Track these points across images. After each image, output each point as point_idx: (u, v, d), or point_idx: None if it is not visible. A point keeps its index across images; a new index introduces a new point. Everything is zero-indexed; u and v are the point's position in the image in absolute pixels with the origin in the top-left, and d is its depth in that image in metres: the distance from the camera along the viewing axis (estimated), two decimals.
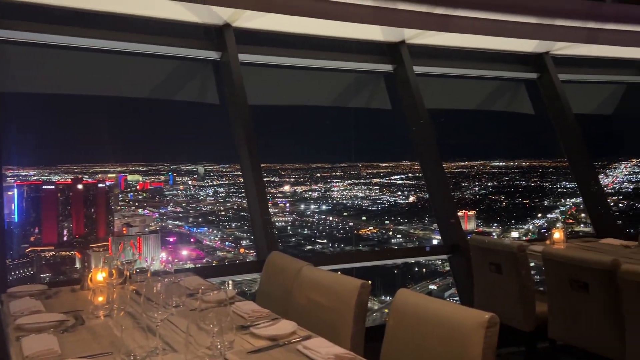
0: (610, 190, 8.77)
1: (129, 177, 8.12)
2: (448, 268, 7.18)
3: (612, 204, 8.45)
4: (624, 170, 9.26)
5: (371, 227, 8.79)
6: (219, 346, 1.81)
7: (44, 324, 2.06)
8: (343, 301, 2.32)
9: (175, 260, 7.08)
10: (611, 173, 9.22)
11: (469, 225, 8.17)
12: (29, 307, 2.27)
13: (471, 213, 8.55)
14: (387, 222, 8.75)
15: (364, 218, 8.82)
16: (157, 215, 8.08)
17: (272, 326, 2.11)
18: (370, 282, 2.35)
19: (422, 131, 4.89)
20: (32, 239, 6.84)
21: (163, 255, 7.15)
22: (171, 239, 7.74)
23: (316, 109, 6.01)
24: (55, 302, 2.46)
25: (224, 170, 8.48)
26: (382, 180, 9.22)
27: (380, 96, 5.42)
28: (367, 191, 9.12)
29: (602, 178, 8.41)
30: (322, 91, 5.45)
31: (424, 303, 2.10)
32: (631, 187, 9.15)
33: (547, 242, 3.89)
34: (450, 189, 5.02)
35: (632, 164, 9.35)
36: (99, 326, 2.13)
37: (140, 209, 7.99)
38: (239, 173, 8.44)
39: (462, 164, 9.33)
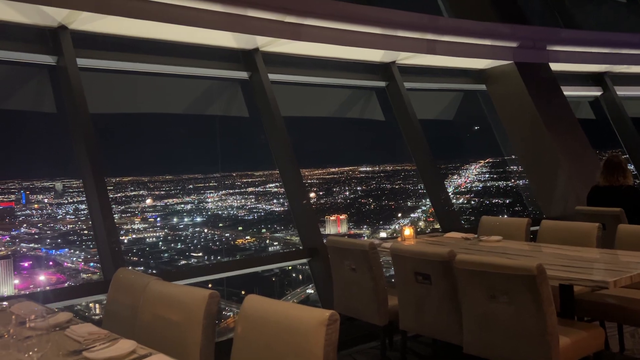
0: (463, 190, 9.66)
1: None
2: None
3: (464, 201, 9.32)
4: (474, 170, 10.24)
5: (248, 237, 8.74)
6: None
7: None
8: (191, 313, 2.27)
9: (32, 287, 6.46)
10: (463, 173, 10.14)
11: (342, 228, 8.47)
12: None
13: (343, 217, 8.88)
14: (263, 230, 8.77)
15: (240, 228, 8.74)
16: (8, 239, 7.32)
17: (109, 347, 2.00)
18: (218, 292, 2.33)
19: (278, 139, 5.00)
20: None
21: (16, 281, 6.49)
22: (26, 264, 7.04)
23: (176, 117, 5.85)
24: None
25: (79, 185, 7.92)
26: (257, 189, 9.23)
27: (239, 104, 5.44)
28: (243, 201, 9.07)
29: (455, 178, 9.24)
30: (180, 99, 5.33)
31: (270, 306, 2.13)
32: (480, 185, 10.15)
33: (398, 239, 4.16)
34: (306, 195, 5.18)
35: (480, 164, 10.37)
36: None
37: None
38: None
39: (333, 170, 9.67)
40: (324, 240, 4.16)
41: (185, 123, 6.48)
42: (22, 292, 6.01)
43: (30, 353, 1.65)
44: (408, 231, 4.02)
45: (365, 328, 3.76)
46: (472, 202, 9.84)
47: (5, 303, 2.45)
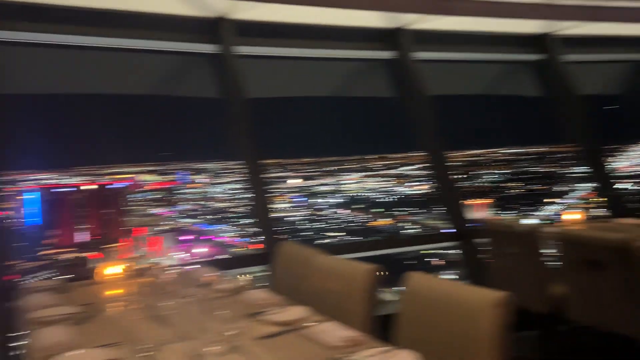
0: (626, 173, 8.64)
1: (142, 177, 8.18)
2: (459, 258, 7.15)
3: (628, 186, 8.34)
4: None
5: (384, 219, 8.76)
6: (230, 333, 1.82)
7: (58, 317, 2.09)
8: (353, 286, 2.31)
9: (191, 258, 7.13)
10: (627, 156, 9.08)
11: (484, 214, 8.10)
12: (43, 301, 2.30)
13: (484, 202, 8.48)
14: (399, 213, 8.72)
15: (376, 210, 8.79)
16: (171, 214, 8.13)
17: (283, 312, 2.11)
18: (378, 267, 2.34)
19: (425, 119, 4.86)
20: (48, 241, 6.92)
21: (180, 253, 7.20)
22: (186, 237, 7.80)
23: (321, 100, 5.97)
24: (69, 296, 2.49)
25: (236, 167, 8.51)
26: (393, 172, 9.18)
27: (383, 84, 5.38)
28: (379, 183, 9.09)
29: (618, 161, 8.29)
30: (324, 81, 5.42)
31: (436, 284, 2.09)
32: None
33: (563, 223, 3.84)
34: (453, 176, 4.99)
35: None
36: (112, 318, 2.15)
37: (154, 209, 8.05)
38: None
39: (474, 152, 9.24)
40: (478, 223, 3.99)
41: (329, 105, 6.62)
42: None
43: (219, 311, 1.79)
44: (574, 216, 3.69)
45: (522, 315, 3.53)
46: (638, 187, 8.78)
47: (188, 267, 2.70)
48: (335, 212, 8.72)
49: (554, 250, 3.17)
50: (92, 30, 4.11)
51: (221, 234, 8.08)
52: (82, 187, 7.41)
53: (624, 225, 3.75)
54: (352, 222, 8.71)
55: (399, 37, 4.98)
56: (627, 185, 8.46)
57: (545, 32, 5.51)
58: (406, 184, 9.01)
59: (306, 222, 8.52)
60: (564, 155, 9.21)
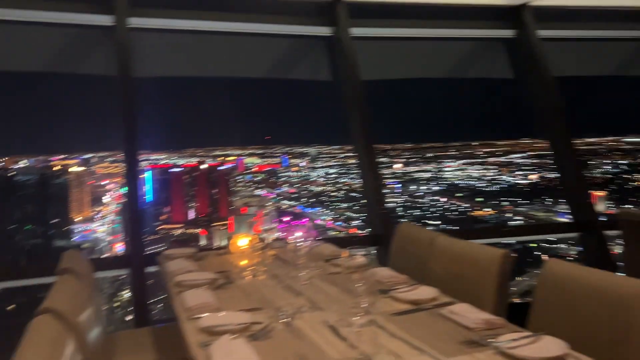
0: None
1: (247, 160, 8.51)
2: (571, 251, 6.67)
3: None
4: None
5: (487, 209, 8.42)
6: (363, 306, 1.82)
7: (199, 281, 2.22)
8: (484, 270, 2.22)
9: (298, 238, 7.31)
10: None
11: (598, 207, 7.52)
12: (184, 267, 2.47)
13: (600, 194, 7.86)
14: (504, 203, 8.33)
15: (479, 199, 8.47)
16: (273, 196, 8.40)
17: (413, 291, 2.08)
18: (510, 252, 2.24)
19: (548, 102, 4.54)
20: (163, 217, 7.43)
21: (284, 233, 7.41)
22: (286, 218, 8.03)
23: (430, 81, 5.77)
24: (205, 264, 2.65)
25: (334, 151, 8.59)
26: (499, 160, 8.77)
27: (499, 65, 5.09)
28: (483, 171, 8.73)
29: None
30: (436, 62, 5.23)
31: (577, 271, 1.95)
32: None
33: None
34: (580, 162, 4.63)
35: None
36: (246, 285, 2.25)
37: (258, 190, 8.36)
38: (349, 154, 8.49)
39: (591, 140, 8.58)
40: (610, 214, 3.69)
41: (439, 88, 6.42)
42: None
43: (356, 286, 1.80)
44: None
45: None
46: None
47: (311, 243, 2.74)
48: (434, 200, 8.53)
49: None
50: (211, 15, 4.26)
51: (319, 217, 8.22)
52: (191, 167, 7.84)
53: None
54: (452, 210, 8.47)
55: (521, 15, 4.69)
56: None
57: None
58: (513, 173, 8.58)
59: (402, 209, 8.41)
60: None
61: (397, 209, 8.35)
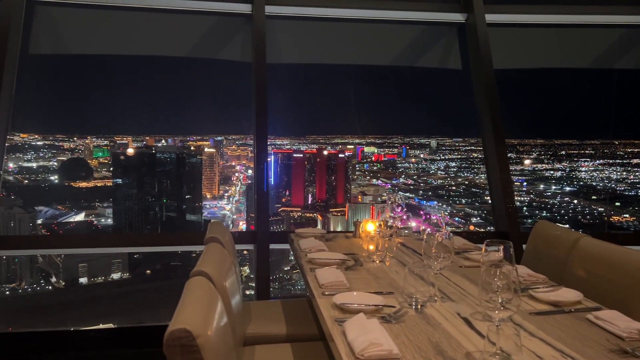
0: None
1: (366, 149, 8.56)
2: None
3: None
4: None
5: (626, 215, 7.66)
6: (499, 301, 1.75)
7: (330, 260, 2.29)
8: (634, 277, 2.02)
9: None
10: None
11: None
12: (315, 246, 2.55)
13: None
14: None
15: (618, 203, 7.72)
16: (390, 186, 8.36)
17: (553, 292, 1.95)
18: None
19: None
20: (283, 200, 7.74)
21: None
22: (401, 210, 7.95)
23: (568, 71, 5.33)
24: (334, 245, 2.72)
25: (457, 144, 8.31)
26: None
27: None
28: (625, 173, 7.93)
29: None
30: (578, 51, 4.80)
31: None
32: None
33: None
34: None
35: None
36: (375, 269, 2.27)
37: (375, 179, 8.38)
38: (472, 148, 8.17)
39: None
40: None
41: (581, 79, 5.92)
42: None
43: (494, 279, 1.73)
44: None
45: None
46: None
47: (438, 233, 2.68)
48: (564, 201, 7.93)
49: None
50: (341, 3, 4.28)
51: (437, 212, 8.03)
52: (313, 154, 8.06)
53: None
54: (585, 214, 7.82)
55: None
56: None
57: None
58: None
59: (528, 208, 7.93)
60: None
61: (522, 208, 7.90)
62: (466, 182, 8.14)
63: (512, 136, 8.36)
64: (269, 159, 8.49)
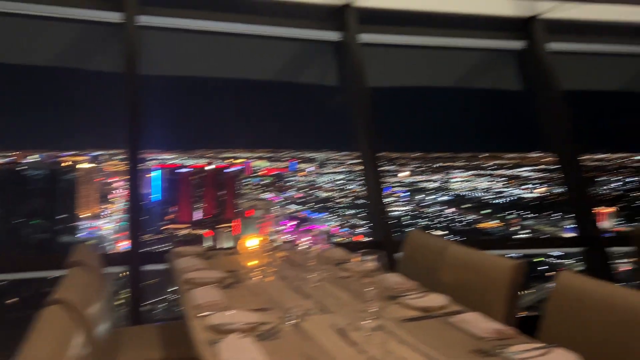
0: None
1: (255, 163, 8.53)
2: (577, 267, 6.62)
3: None
4: None
5: (493, 221, 8.39)
6: (372, 311, 1.81)
7: (209, 279, 2.22)
8: (495, 281, 2.20)
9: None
10: None
11: (606, 224, 7.46)
12: (194, 265, 2.46)
13: (609, 210, 7.81)
14: (511, 216, 8.29)
15: (485, 211, 8.44)
16: (280, 200, 8.40)
17: (423, 298, 2.06)
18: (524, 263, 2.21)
19: (556, 116, 4.51)
20: (169, 217, 7.44)
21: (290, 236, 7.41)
22: (292, 222, 8.02)
23: (439, 90, 5.74)
24: (214, 263, 2.64)
25: (343, 158, 8.59)
26: (507, 172, 8.75)
27: (508, 77, 5.07)
28: (490, 183, 8.70)
29: None
30: (446, 71, 5.21)
31: (590, 286, 1.93)
32: None
33: None
34: (586, 178, 4.59)
35: None
36: (255, 285, 2.24)
37: (265, 193, 8.36)
38: (357, 161, 8.50)
39: (600, 156, 8.54)
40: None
41: (448, 98, 6.40)
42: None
43: (366, 289, 1.79)
44: None
45: None
46: None
47: (321, 246, 2.73)
48: (440, 210, 8.51)
49: None
50: (221, 16, 4.24)
51: (325, 223, 8.21)
52: (200, 168, 7.86)
53: None
54: (458, 221, 8.44)
55: (532, 27, 4.67)
56: None
57: None
58: (521, 186, 8.55)
59: (410, 217, 8.39)
60: None
61: (404, 217, 8.34)
62: (352, 194, 8.42)
63: (392, 150, 8.82)
64: (150, 174, 8.10)
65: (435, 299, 2.04)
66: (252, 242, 2.59)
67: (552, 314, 1.98)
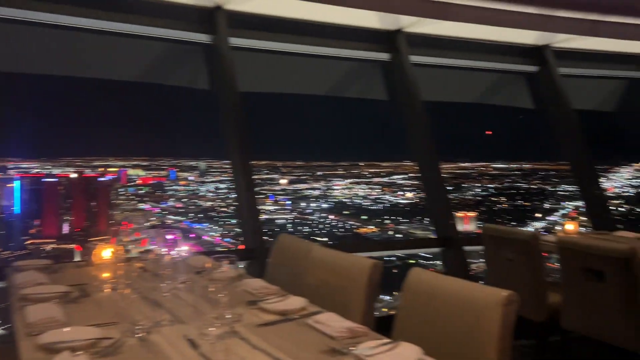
0: (611, 194, 8.72)
1: (130, 172, 8.07)
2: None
3: (613, 208, 8.42)
4: (625, 174, 9.22)
5: (371, 226, 8.74)
6: (227, 318, 1.75)
7: (49, 295, 2.01)
8: (354, 280, 2.25)
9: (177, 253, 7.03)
10: (613, 177, 9.17)
11: (469, 226, 8.10)
12: (33, 279, 2.22)
13: (472, 214, 8.50)
14: (387, 221, 8.71)
15: (364, 217, 8.77)
16: (158, 210, 8.03)
17: (282, 302, 2.05)
18: (382, 262, 2.29)
19: (418, 125, 4.82)
20: (32, 231, 6.77)
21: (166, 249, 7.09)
22: (171, 234, 7.69)
23: (315, 98, 5.87)
24: (60, 276, 2.40)
25: (225, 166, 8.44)
26: (383, 180, 9.18)
27: (378, 87, 5.33)
28: (369, 190, 9.07)
29: (603, 182, 8.37)
30: (319, 80, 5.34)
31: (437, 280, 2.04)
32: (632, 191, 9.10)
33: (560, 233, 3.83)
34: (444, 182, 4.94)
35: (634, 168, 9.31)
36: (104, 299, 2.07)
37: (141, 204, 7.94)
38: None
39: (464, 165, 9.29)
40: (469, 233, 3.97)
41: (323, 106, 6.55)
42: None
43: (219, 295, 1.73)
44: (571, 226, 3.69)
45: (519, 323, 3.50)
46: (621, 209, 8.88)
47: (181, 255, 2.62)
48: (323, 217, 8.69)
49: (553, 259, 3.15)
50: (85, 12, 3.96)
51: (207, 233, 7.99)
52: (67, 178, 7.28)
53: (624, 238, 3.74)
54: (339, 227, 8.68)
55: (396, 39, 4.95)
56: (615, 207, 8.52)
57: (543, 44, 5.54)
58: (396, 193, 9.01)
59: (292, 225, 8.47)
60: (554, 172, 9.25)
61: (287, 225, 8.39)
62: (236, 204, 8.29)
63: (276, 158, 8.85)
64: (14, 184, 7.30)
65: (294, 302, 2.04)
66: (105, 252, 2.40)
67: (404, 310, 2.07)
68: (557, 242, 3.05)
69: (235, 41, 4.36)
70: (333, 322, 1.83)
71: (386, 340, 1.70)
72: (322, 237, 8.37)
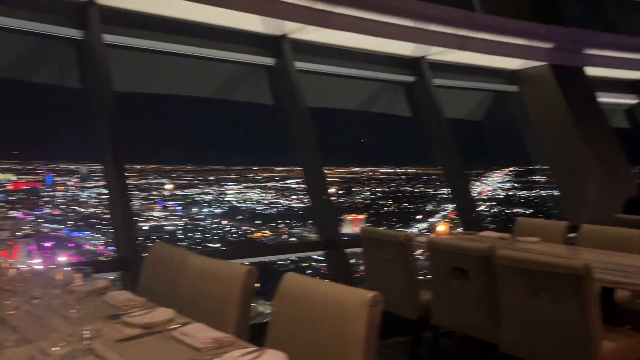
0: (484, 197, 9.52)
1: (0, 176, 7.34)
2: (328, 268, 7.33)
3: (486, 209, 9.18)
4: (497, 178, 10.09)
5: (265, 231, 8.71)
6: (84, 335, 1.64)
7: None
8: (229, 287, 2.21)
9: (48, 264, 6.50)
10: (486, 180, 10.00)
11: (359, 229, 8.36)
12: None
13: (361, 217, 8.79)
14: (281, 225, 8.72)
15: (258, 222, 8.72)
16: (32, 218, 7.37)
17: (147, 314, 1.95)
18: (257, 269, 2.27)
19: (302, 129, 4.91)
20: None
21: (38, 259, 6.53)
22: (48, 244, 7.10)
23: (200, 100, 5.76)
24: None
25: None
26: (277, 184, 9.19)
27: (265, 91, 5.37)
28: (263, 195, 9.03)
29: (477, 185, 9.11)
30: (205, 82, 5.25)
31: (310, 285, 2.07)
32: (503, 194, 10.00)
33: (432, 235, 4.08)
34: (327, 187, 5.09)
35: (504, 172, 10.22)
36: None
37: (13, 211, 7.26)
38: (128, 174, 7.98)
39: (354, 169, 9.59)
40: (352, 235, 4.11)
41: (209, 108, 6.40)
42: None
43: (72, 311, 1.61)
44: (442, 227, 3.94)
45: (394, 322, 3.66)
46: (493, 210, 9.70)
47: (39, 267, 2.41)
48: (215, 223, 8.51)
49: (424, 259, 3.34)
50: None
51: (89, 242, 7.48)
52: None
53: (487, 238, 4.07)
54: (233, 233, 8.55)
55: (281, 45, 5.01)
56: (484, 208, 9.31)
57: (419, 56, 5.90)
58: (289, 197, 9.06)
59: (183, 231, 8.19)
60: (435, 176, 9.87)
61: (178, 231, 8.08)
62: (108, 210, 7.84)
63: (164, 162, 8.49)
64: None
65: (161, 314, 1.95)
66: None
67: (277, 316, 2.06)
68: (427, 242, 3.24)
69: (112, 38, 4.13)
70: (199, 333, 1.77)
71: (252, 348, 1.68)
72: (214, 243, 8.18)
